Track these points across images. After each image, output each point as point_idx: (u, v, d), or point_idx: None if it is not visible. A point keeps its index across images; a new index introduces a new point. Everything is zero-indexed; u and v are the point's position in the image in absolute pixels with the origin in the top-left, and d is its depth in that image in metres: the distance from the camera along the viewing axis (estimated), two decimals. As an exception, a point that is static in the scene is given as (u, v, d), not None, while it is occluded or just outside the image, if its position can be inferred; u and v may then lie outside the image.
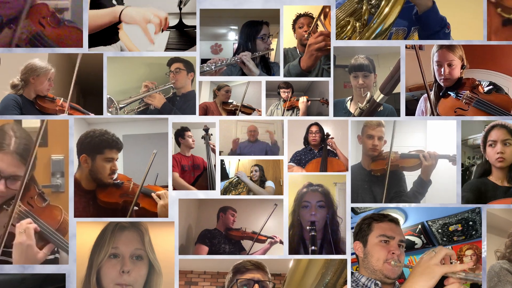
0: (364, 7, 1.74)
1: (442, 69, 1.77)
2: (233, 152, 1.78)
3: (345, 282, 1.76)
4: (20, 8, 1.72)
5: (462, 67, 1.79)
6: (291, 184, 1.77)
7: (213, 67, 1.72)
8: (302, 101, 1.77)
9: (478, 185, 1.81)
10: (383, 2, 1.72)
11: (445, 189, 1.80)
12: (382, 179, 1.79)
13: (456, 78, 1.78)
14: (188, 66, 1.78)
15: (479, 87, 1.78)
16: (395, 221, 1.74)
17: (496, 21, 1.79)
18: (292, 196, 1.78)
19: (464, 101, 1.77)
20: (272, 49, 1.79)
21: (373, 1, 1.74)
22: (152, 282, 1.74)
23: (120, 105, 1.75)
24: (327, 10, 1.74)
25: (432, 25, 1.77)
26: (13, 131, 1.77)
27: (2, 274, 1.74)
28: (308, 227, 1.78)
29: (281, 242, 1.79)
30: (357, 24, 1.74)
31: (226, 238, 1.78)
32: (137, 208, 1.77)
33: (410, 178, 1.82)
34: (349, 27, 1.74)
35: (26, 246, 1.68)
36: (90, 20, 1.73)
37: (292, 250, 1.78)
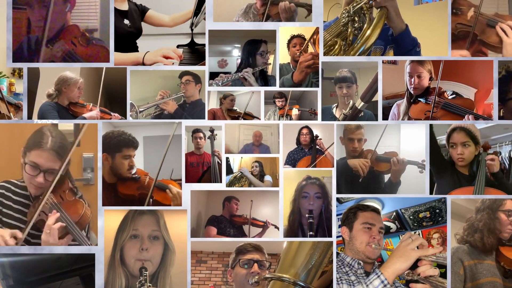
0: (349, 30, 2.00)
1: (413, 79, 2.01)
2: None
3: (330, 261, 2.00)
4: (56, 30, 2.01)
5: (430, 78, 2.03)
6: (285, 178, 2.03)
7: (220, 83, 2.00)
8: (295, 113, 2.03)
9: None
10: (365, 26, 1.99)
11: (416, 183, 2.04)
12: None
13: (425, 87, 2.02)
14: (196, 79, 2.02)
15: (445, 93, 2.04)
16: (376, 211, 2.03)
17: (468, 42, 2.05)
18: (287, 188, 2.02)
19: (433, 104, 2.02)
20: (270, 64, 2.03)
21: (356, 25, 2.00)
22: (167, 258, 2.00)
23: (140, 110, 2.03)
24: (317, 33, 2.03)
25: (405, 45, 2.01)
26: (49, 132, 2.00)
27: (41, 254, 1.99)
28: (307, 215, 2.02)
29: (277, 227, 2.06)
30: (343, 44, 2.03)
31: (230, 223, 2.06)
32: (151, 200, 2.02)
33: (387, 177, 2.05)
34: (336, 46, 2.02)
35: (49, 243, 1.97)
36: (119, 59, 1.99)
37: (292, 233, 2.02)
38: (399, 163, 2.03)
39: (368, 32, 1.99)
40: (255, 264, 2.01)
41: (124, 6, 2.02)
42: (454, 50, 2.04)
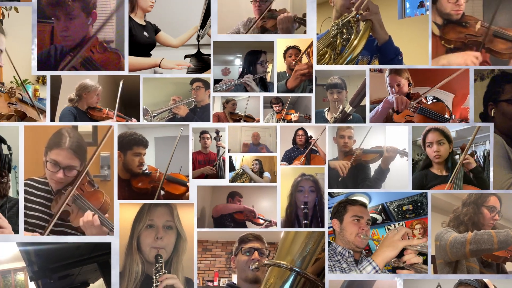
0: (338, 40, 2.22)
1: (393, 89, 2.23)
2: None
3: (323, 250, 2.19)
4: (78, 40, 2.21)
5: (409, 84, 2.23)
6: (282, 174, 2.24)
7: (224, 87, 2.22)
8: (295, 119, 2.24)
9: (420, 178, 2.24)
10: (352, 37, 2.21)
11: (400, 178, 2.24)
12: (351, 169, 2.26)
13: (405, 94, 2.22)
14: (206, 85, 2.23)
15: (423, 98, 2.24)
16: (364, 205, 2.23)
17: (441, 50, 2.26)
18: (284, 184, 2.23)
19: (411, 109, 2.23)
20: (268, 72, 2.24)
21: (344, 36, 2.21)
22: (179, 246, 2.20)
23: (154, 114, 2.24)
24: (311, 46, 2.22)
25: (389, 54, 2.21)
26: (67, 133, 2.20)
27: (63, 243, 2.20)
28: (302, 206, 2.22)
29: (275, 224, 2.24)
30: (333, 53, 2.25)
31: (232, 220, 2.24)
32: (163, 192, 2.21)
33: (373, 166, 2.25)
34: (326, 55, 2.24)
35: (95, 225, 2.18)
36: (134, 64, 2.20)
37: (289, 224, 2.23)
38: (391, 151, 2.24)
39: (355, 42, 2.20)
40: (256, 252, 2.21)
41: (142, 22, 2.25)
42: (467, 52, 2.25)
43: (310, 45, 2.23)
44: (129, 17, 2.22)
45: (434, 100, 2.26)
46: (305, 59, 2.22)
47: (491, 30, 2.25)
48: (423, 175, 2.25)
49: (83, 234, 2.19)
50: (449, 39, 2.27)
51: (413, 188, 2.24)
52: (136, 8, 2.22)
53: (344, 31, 2.20)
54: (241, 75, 2.25)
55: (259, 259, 2.19)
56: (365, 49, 2.21)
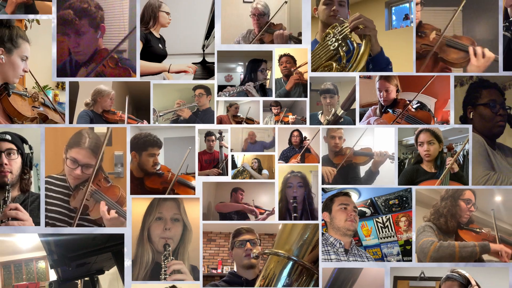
0: (342, 53, 2.40)
1: (381, 93, 2.42)
2: (242, 150, 2.44)
3: (318, 240, 2.42)
4: (89, 54, 2.41)
5: (397, 91, 2.43)
6: (280, 171, 2.45)
7: (227, 94, 2.44)
8: (292, 121, 2.44)
9: (411, 172, 2.43)
10: (355, 52, 2.38)
11: (387, 175, 2.43)
12: (342, 168, 2.45)
13: (392, 99, 2.43)
14: (207, 91, 2.43)
15: (409, 106, 2.44)
16: (347, 195, 2.43)
17: (431, 60, 2.45)
18: (281, 180, 2.43)
19: (399, 116, 2.43)
20: (268, 79, 2.45)
21: (344, 48, 2.39)
22: (185, 237, 2.41)
23: (160, 114, 2.42)
24: (303, 65, 2.43)
25: (380, 63, 2.40)
26: (87, 134, 2.39)
27: (81, 234, 2.40)
28: (291, 200, 2.43)
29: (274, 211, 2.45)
30: (338, 66, 2.41)
31: (236, 211, 2.45)
32: (172, 192, 2.41)
33: (363, 168, 2.46)
34: (333, 68, 2.41)
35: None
36: (145, 69, 2.41)
37: (281, 217, 2.43)
38: (381, 155, 2.44)
39: (358, 57, 2.40)
40: (248, 243, 2.39)
41: (158, 35, 2.47)
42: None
43: (301, 65, 2.44)
44: (149, 31, 2.44)
45: (418, 104, 2.46)
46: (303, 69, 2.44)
47: (443, 39, 2.42)
48: (415, 169, 2.45)
49: (100, 226, 2.40)
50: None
51: (403, 181, 2.44)
52: (157, 23, 2.43)
53: (343, 44, 2.40)
54: (243, 81, 2.46)
55: (251, 248, 2.39)
56: (359, 58, 2.42)
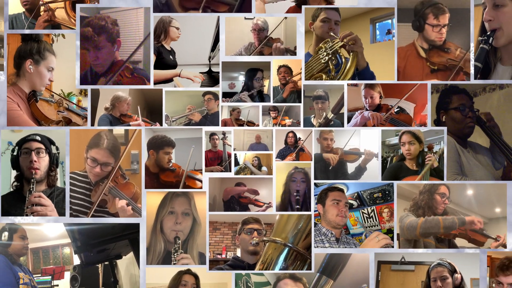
0: (331, 66, 2.69)
1: (367, 100, 2.69)
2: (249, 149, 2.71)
3: (310, 229, 2.71)
4: (107, 65, 2.69)
5: (380, 97, 2.71)
6: (277, 168, 2.71)
7: (230, 101, 2.73)
8: (288, 124, 2.71)
9: (396, 168, 2.69)
10: (343, 65, 2.67)
11: (373, 172, 2.71)
12: (334, 165, 2.74)
13: (376, 104, 2.70)
14: (215, 96, 2.71)
15: (392, 110, 2.73)
16: (342, 191, 2.69)
17: (426, 70, 2.68)
18: (279, 176, 2.68)
19: (384, 120, 2.70)
20: (264, 86, 2.71)
21: (334, 62, 2.67)
22: (194, 229, 2.63)
23: (173, 119, 2.74)
24: (297, 75, 2.71)
25: (366, 77, 2.68)
26: (105, 135, 2.63)
27: (101, 223, 2.67)
28: (294, 194, 2.67)
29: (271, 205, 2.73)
30: (328, 78, 2.70)
31: (238, 203, 2.73)
32: (184, 185, 2.68)
33: (352, 165, 2.73)
34: (323, 79, 2.70)
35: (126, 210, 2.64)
36: (159, 76, 2.68)
37: (284, 207, 2.68)
38: (369, 154, 2.71)
39: (346, 70, 2.69)
40: (255, 232, 2.63)
41: (169, 48, 2.75)
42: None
43: (293, 76, 2.72)
44: (161, 44, 2.73)
45: (399, 109, 2.76)
46: (297, 77, 2.74)
47: (467, 56, 2.72)
48: (399, 165, 2.70)
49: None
50: (433, 61, 2.74)
51: (388, 176, 2.72)
52: (167, 37, 2.74)
53: (333, 58, 2.69)
54: (242, 89, 2.74)
55: (258, 237, 2.66)
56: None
